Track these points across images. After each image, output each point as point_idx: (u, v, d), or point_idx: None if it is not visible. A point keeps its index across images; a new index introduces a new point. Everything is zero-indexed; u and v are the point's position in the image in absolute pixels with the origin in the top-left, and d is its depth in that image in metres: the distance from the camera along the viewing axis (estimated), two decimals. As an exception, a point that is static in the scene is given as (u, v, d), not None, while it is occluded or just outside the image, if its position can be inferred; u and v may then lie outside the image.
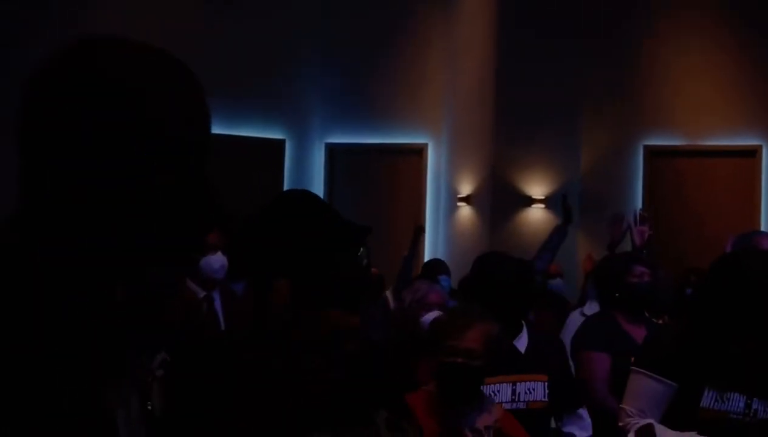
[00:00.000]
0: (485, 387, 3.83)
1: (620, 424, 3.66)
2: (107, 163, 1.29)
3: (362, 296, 2.63)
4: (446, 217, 11.72)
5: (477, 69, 11.26)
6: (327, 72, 12.27)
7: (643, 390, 3.63)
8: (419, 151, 12.27)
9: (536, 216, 10.96)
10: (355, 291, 2.52)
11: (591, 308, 6.51)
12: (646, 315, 5.24)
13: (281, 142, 12.23)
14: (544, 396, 4.27)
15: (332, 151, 12.55)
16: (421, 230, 9.30)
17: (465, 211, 11.42)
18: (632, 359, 3.87)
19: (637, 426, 3.56)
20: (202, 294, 5.42)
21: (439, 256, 10.29)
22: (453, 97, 11.73)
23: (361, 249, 2.61)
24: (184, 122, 1.36)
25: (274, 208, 2.66)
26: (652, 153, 11.40)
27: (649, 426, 3.56)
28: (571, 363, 4.85)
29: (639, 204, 10.87)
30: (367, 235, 2.61)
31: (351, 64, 12.19)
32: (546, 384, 4.26)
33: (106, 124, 1.29)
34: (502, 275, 4.34)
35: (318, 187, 12.47)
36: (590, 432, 4.55)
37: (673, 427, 3.53)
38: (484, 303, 4.07)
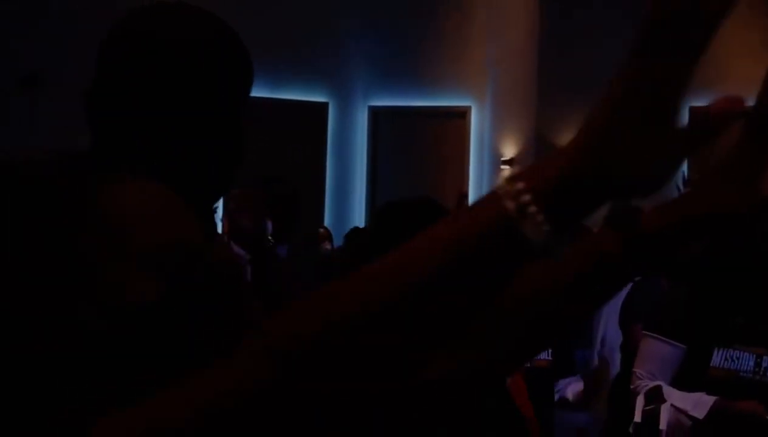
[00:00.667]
0: None
1: (631, 387, 3.71)
2: (169, 106, 1.46)
3: None
4: (490, 180, 11.70)
5: (521, 31, 11.19)
6: (371, 34, 12.24)
7: (653, 353, 3.67)
8: (463, 114, 12.24)
9: (580, 178, 10.91)
10: None
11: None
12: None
13: (324, 105, 12.23)
14: (548, 355, 4.29)
15: (375, 114, 12.53)
16: (464, 198, 9.30)
17: (508, 174, 11.39)
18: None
19: (647, 388, 3.61)
20: (247, 257, 5.45)
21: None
22: (496, 59, 11.67)
23: None
24: (230, 71, 1.54)
25: (400, 214, 2.67)
26: (697, 114, 11.29)
27: (658, 387, 3.60)
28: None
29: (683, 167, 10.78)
30: None
31: (395, 26, 12.15)
32: None
33: (167, 74, 1.47)
34: None
35: (361, 151, 12.48)
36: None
37: (684, 388, 3.56)
38: None
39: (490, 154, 11.71)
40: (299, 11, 11.69)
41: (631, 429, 3.68)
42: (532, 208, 0.83)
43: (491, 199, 0.85)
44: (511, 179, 0.85)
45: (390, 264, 0.85)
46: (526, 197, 0.83)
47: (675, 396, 3.57)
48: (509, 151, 11.36)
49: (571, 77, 10.80)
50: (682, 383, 3.60)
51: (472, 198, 11.93)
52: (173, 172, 1.44)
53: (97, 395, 1.01)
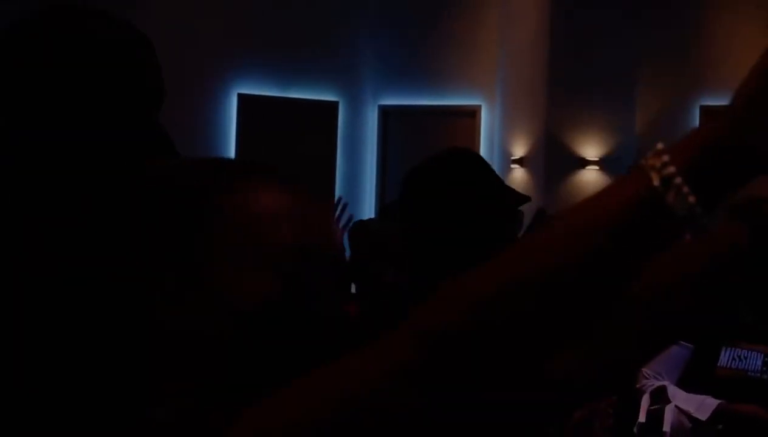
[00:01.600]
0: None
1: (636, 386, 3.71)
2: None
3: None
4: (500, 179, 11.67)
5: (531, 30, 11.18)
6: (381, 33, 12.24)
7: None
8: (473, 113, 12.23)
9: (591, 178, 10.90)
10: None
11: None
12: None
13: (335, 104, 12.23)
14: None
15: (385, 112, 12.53)
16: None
17: (518, 173, 11.38)
18: None
19: (652, 387, 3.61)
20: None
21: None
22: (507, 58, 11.66)
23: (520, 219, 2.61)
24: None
25: (442, 166, 2.60)
26: (708, 113, 11.27)
27: (663, 388, 3.60)
28: None
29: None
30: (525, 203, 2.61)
31: (405, 25, 12.15)
32: None
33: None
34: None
35: (371, 149, 12.48)
36: None
37: (691, 388, 3.56)
38: None
39: (500, 153, 11.69)
40: (309, 11, 11.69)
41: (635, 430, 3.69)
42: (678, 180, 0.83)
43: (636, 172, 0.85)
44: (657, 152, 0.85)
45: (538, 245, 0.85)
46: (671, 169, 0.83)
47: (679, 397, 3.56)
48: (519, 150, 11.35)
49: (582, 76, 10.79)
50: (689, 383, 3.60)
51: (482, 197, 11.92)
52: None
53: (223, 394, 1.02)
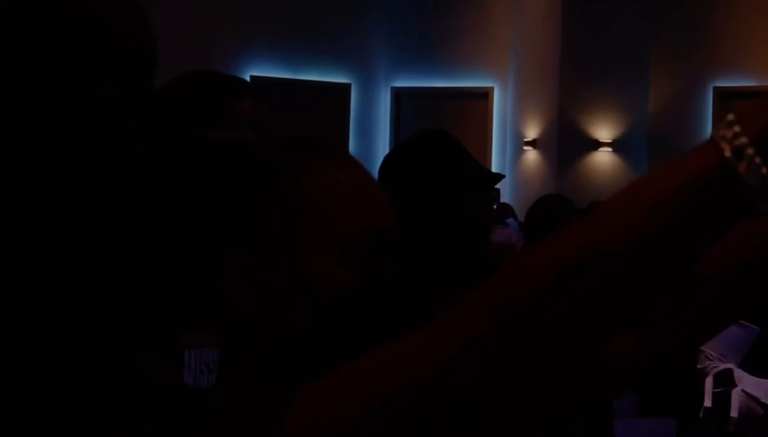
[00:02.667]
0: None
1: (699, 366, 3.61)
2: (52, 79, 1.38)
3: (487, 236, 2.70)
4: (512, 161, 11.67)
5: (544, 11, 11.14)
6: (393, 14, 12.21)
7: (724, 334, 3.59)
8: (485, 95, 12.20)
9: (603, 159, 10.87)
10: (481, 231, 2.57)
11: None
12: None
13: (347, 86, 12.22)
14: None
15: (398, 94, 12.52)
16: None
17: (531, 155, 11.36)
18: None
19: (716, 370, 3.52)
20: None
21: (505, 200, 10.26)
22: (519, 39, 11.63)
23: (491, 193, 2.65)
24: (120, 36, 1.44)
25: (411, 147, 2.69)
26: (721, 94, 11.23)
27: (728, 370, 3.50)
28: None
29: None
30: (500, 180, 2.67)
31: (417, 7, 12.11)
32: None
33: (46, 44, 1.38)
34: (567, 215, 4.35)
35: (384, 131, 12.47)
36: None
37: (755, 371, 3.48)
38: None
39: (513, 134, 11.67)
40: (321, -8, 11.67)
41: (701, 414, 3.60)
42: (750, 150, 0.82)
43: (707, 144, 0.84)
44: (728, 123, 0.84)
45: (605, 220, 0.84)
46: (743, 139, 0.83)
47: (747, 382, 3.47)
48: (532, 131, 11.33)
49: (595, 58, 10.75)
50: (753, 365, 3.51)
51: (494, 179, 11.91)
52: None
53: (286, 376, 1.01)
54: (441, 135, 2.70)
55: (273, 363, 1.04)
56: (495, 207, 2.86)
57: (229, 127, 1.87)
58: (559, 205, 4.50)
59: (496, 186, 2.80)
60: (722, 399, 3.53)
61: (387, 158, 2.63)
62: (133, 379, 1.03)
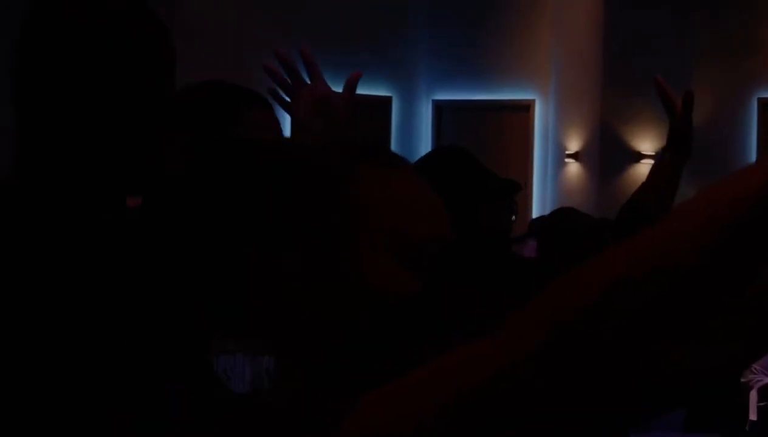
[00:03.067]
0: None
1: (743, 380, 3.58)
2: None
3: (506, 247, 2.72)
4: (554, 173, 11.63)
5: (585, 23, 11.11)
6: (434, 27, 12.22)
7: None
8: (527, 107, 12.18)
9: (646, 171, 10.79)
10: (499, 242, 2.59)
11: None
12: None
13: (388, 99, 12.23)
14: None
15: (439, 107, 12.51)
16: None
17: (573, 168, 11.32)
18: None
19: (761, 384, 3.49)
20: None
21: (547, 213, 10.22)
22: (561, 51, 11.60)
23: (510, 203, 2.68)
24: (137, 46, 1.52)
25: (427, 160, 2.74)
26: (765, 106, 11.14)
27: None
28: None
29: (752, 158, 10.65)
30: (517, 191, 2.70)
31: (459, 19, 12.11)
32: None
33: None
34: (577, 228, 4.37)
35: (425, 144, 12.46)
36: None
37: None
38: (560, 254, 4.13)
39: (555, 147, 11.64)
40: (362, 6, 11.70)
41: (747, 427, 3.57)
42: None
43: (766, 158, 0.83)
44: None
45: (670, 229, 0.83)
46: None
47: None
48: (574, 144, 11.29)
49: (637, 69, 10.70)
50: None
51: (536, 192, 11.87)
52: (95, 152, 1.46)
53: (344, 380, 1.01)
54: (456, 149, 2.76)
55: (333, 369, 1.04)
56: (514, 218, 2.87)
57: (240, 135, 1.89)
58: (570, 219, 4.50)
59: (515, 197, 2.81)
60: (767, 413, 3.50)
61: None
62: (189, 390, 1.03)
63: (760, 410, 3.53)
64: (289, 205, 1.06)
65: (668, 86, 2.68)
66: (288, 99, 2.08)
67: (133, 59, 1.49)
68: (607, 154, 10.86)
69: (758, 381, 3.52)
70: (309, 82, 2.10)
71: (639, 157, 10.79)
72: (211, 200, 1.10)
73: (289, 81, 2.09)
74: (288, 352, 1.05)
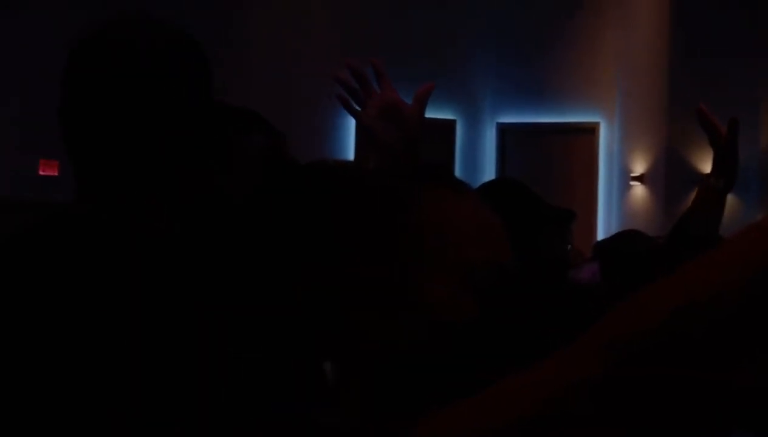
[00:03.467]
0: None
1: None
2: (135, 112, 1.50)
3: (563, 274, 2.74)
4: (619, 196, 11.55)
5: (650, 45, 11.04)
6: (498, 51, 12.21)
7: None
8: (592, 130, 12.12)
9: (713, 195, 10.70)
10: (556, 270, 2.60)
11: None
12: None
13: (452, 123, 12.23)
14: None
15: (503, 130, 12.49)
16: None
17: (639, 191, 11.23)
18: None
19: None
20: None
21: (609, 236, 10.15)
22: (625, 73, 11.54)
23: (565, 232, 2.69)
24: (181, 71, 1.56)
25: (481, 190, 2.77)
26: (835, 129, 10.99)
27: None
28: None
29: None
30: (572, 220, 2.72)
31: (522, 42, 12.11)
32: None
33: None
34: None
35: (489, 167, 12.45)
36: None
37: None
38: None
39: (620, 170, 11.56)
40: (425, 29, 11.73)
41: None
42: None
43: None
44: None
45: (733, 252, 0.83)
46: None
47: None
48: (639, 167, 11.21)
49: (703, 90, 10.61)
50: None
51: (601, 215, 11.78)
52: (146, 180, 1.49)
53: (404, 402, 1.01)
54: (511, 180, 2.79)
55: (391, 390, 1.04)
56: (570, 246, 2.89)
57: (239, 161, 1.91)
58: (633, 242, 4.49)
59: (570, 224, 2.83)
60: None
61: None
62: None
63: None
64: (350, 231, 1.06)
65: (711, 114, 2.70)
66: (357, 107, 2.09)
67: (175, 86, 1.52)
68: (673, 177, 10.77)
69: None
70: (379, 92, 2.11)
71: (706, 179, 10.68)
72: (274, 227, 1.10)
73: (359, 89, 2.09)
74: (352, 372, 1.05)
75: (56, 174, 10.16)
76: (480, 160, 12.41)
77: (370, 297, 1.06)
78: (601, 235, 11.21)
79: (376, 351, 1.05)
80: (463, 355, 1.05)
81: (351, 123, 11.19)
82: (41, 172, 10.65)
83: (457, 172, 12.46)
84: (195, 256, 1.37)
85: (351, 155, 11.20)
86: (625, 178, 11.41)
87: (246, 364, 1.23)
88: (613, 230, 11.31)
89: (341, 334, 1.05)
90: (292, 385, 1.08)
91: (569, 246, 2.86)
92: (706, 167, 12.07)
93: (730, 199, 9.69)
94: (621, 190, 11.53)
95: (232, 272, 1.24)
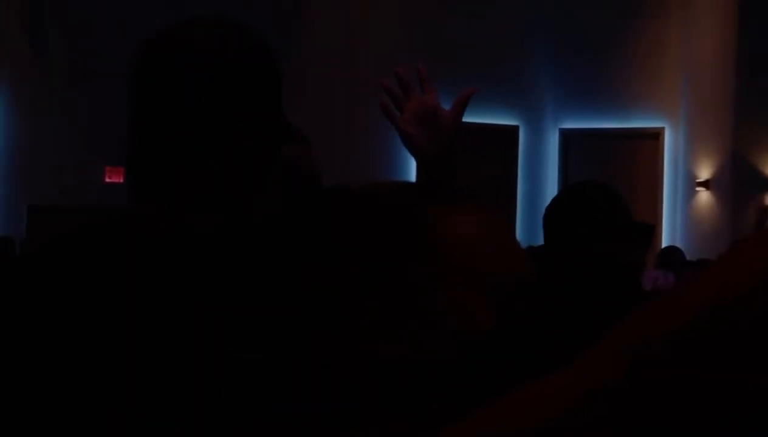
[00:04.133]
0: None
1: None
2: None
3: (637, 284, 2.77)
4: (684, 202, 11.45)
5: (715, 49, 10.94)
6: (561, 56, 12.16)
7: None
8: (656, 135, 12.03)
9: (780, 200, 10.58)
10: (629, 278, 2.63)
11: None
12: None
13: (515, 129, 12.21)
14: None
15: (566, 136, 12.44)
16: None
17: (704, 197, 11.13)
18: None
19: None
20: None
21: (677, 243, 10.07)
22: (690, 78, 11.44)
23: (644, 245, 2.72)
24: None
25: (567, 197, 2.80)
26: None
27: None
28: None
29: None
30: (651, 233, 2.76)
31: (585, 48, 12.04)
32: None
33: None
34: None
35: (552, 173, 12.40)
36: None
37: None
38: None
39: (685, 175, 11.46)
40: (488, 36, 11.72)
41: None
42: None
43: None
44: None
45: (752, 256, 0.83)
46: None
47: None
48: (705, 172, 11.10)
49: (770, 96, 10.49)
50: None
51: (666, 221, 11.69)
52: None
53: (429, 420, 1.03)
54: (597, 185, 2.78)
55: (411, 407, 1.05)
56: (644, 257, 2.93)
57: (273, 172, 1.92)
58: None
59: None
60: None
61: (549, 205, 2.72)
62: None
63: None
64: (364, 249, 1.07)
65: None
66: (397, 112, 2.09)
67: (239, 96, 1.51)
68: (739, 182, 10.65)
69: None
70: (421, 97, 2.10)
71: (773, 185, 10.57)
72: (294, 246, 1.12)
73: (403, 96, 2.09)
74: (377, 394, 1.06)
75: (121, 181, 10.28)
76: (543, 166, 12.36)
77: (384, 318, 1.07)
78: (665, 242, 11.11)
79: (395, 372, 1.06)
80: (476, 367, 1.06)
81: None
82: (107, 180, 10.79)
83: (520, 177, 12.45)
84: (208, 258, 1.39)
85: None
86: (690, 184, 11.31)
87: (246, 364, 1.24)
88: (678, 237, 11.21)
89: (358, 358, 1.06)
90: (293, 385, 1.09)
91: (644, 256, 2.90)
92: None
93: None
94: (686, 196, 11.43)
95: (246, 277, 1.26)
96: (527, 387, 0.88)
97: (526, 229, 12.09)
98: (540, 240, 2.78)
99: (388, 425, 1.04)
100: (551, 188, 12.36)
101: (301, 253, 1.10)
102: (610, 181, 11.10)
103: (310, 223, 1.11)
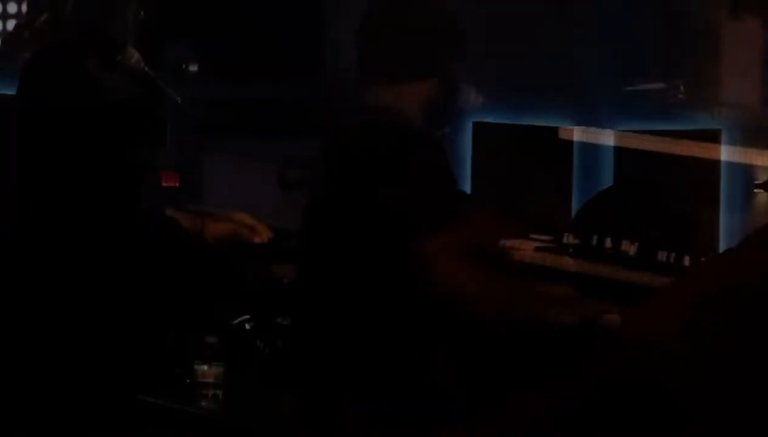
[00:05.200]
0: None
1: None
2: None
3: None
4: (743, 204, 11.33)
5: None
6: (617, 54, 12.07)
7: None
8: (713, 137, 11.91)
9: None
10: None
11: None
12: None
13: (569, 130, 12.14)
14: None
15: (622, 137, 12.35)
16: None
17: (763, 198, 11.00)
18: None
19: None
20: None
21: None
22: (748, 76, 11.31)
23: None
24: None
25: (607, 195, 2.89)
26: None
27: None
28: None
29: None
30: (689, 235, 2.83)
31: (634, 50, 11.94)
32: None
33: None
34: None
35: (608, 173, 12.32)
36: None
37: None
38: None
39: (743, 177, 11.33)
40: (548, 37, 11.66)
41: None
42: None
43: None
44: None
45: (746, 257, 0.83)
46: None
47: None
48: (764, 174, 10.97)
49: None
50: None
51: (723, 224, 11.56)
52: None
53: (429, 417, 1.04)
54: (642, 182, 2.85)
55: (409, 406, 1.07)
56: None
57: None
58: None
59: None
60: None
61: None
62: None
63: None
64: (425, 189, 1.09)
65: None
66: None
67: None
68: (799, 184, 10.52)
69: None
70: None
71: None
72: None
73: None
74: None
75: (176, 185, 10.39)
76: (598, 167, 12.29)
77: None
78: (723, 245, 10.97)
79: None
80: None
81: (467, 127, 11.19)
82: (164, 184, 10.88)
83: (575, 180, 12.41)
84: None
85: (468, 158, 11.18)
86: (748, 186, 11.19)
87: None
88: (737, 239, 11.08)
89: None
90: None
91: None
92: None
93: None
94: (744, 198, 11.31)
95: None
96: (548, 383, 0.90)
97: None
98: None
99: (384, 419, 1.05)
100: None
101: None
102: (667, 182, 10.79)
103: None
